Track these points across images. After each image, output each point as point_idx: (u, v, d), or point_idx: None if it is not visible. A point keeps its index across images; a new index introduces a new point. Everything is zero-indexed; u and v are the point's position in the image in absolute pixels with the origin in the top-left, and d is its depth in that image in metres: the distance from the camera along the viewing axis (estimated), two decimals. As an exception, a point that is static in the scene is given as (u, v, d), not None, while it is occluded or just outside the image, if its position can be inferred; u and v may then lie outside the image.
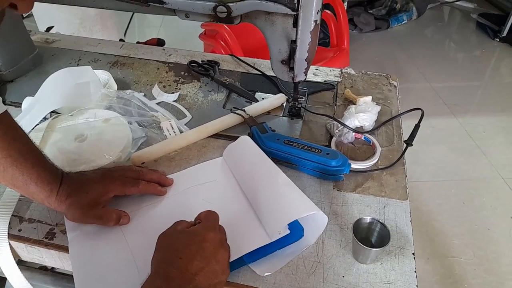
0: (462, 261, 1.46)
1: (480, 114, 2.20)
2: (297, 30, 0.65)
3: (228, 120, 0.78)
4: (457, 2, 3.34)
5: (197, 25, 1.95)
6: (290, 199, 0.58)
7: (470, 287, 1.38)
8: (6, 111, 0.56)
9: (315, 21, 0.65)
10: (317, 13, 0.64)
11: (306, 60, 0.70)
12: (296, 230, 0.58)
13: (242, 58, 1.00)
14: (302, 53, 0.68)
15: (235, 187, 0.66)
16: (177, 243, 0.48)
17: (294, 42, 0.67)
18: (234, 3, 0.63)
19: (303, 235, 0.58)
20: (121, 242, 0.58)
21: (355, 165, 0.70)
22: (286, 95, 0.85)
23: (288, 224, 0.56)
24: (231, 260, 0.52)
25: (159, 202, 0.64)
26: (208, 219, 0.53)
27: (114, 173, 0.62)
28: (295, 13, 0.63)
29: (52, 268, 1.10)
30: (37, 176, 0.56)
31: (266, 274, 0.55)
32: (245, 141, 0.71)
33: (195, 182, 0.67)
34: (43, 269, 1.08)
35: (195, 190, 0.66)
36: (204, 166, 0.71)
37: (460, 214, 1.65)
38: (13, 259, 0.60)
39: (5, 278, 1.07)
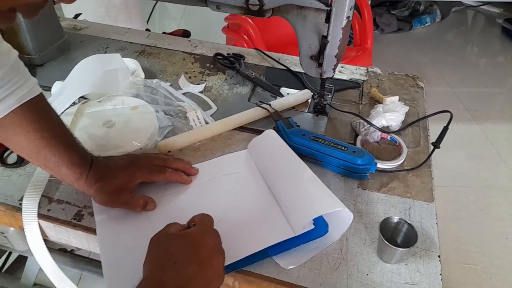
0: (478, 269, 1.44)
1: (502, 121, 2.16)
2: (329, 26, 0.65)
3: (253, 113, 0.78)
4: (482, 6, 3.27)
5: (217, 19, 1.95)
6: (316, 195, 0.58)
7: (485, 295, 1.37)
8: (41, 93, 0.57)
9: (348, 17, 0.65)
10: (350, 9, 0.64)
11: (336, 56, 0.70)
12: (320, 225, 0.58)
13: (267, 52, 1.00)
14: (332, 49, 0.68)
15: (259, 180, 0.66)
16: (171, 246, 0.46)
17: (325, 37, 0.67)
18: (268, -4, 0.63)
19: (327, 231, 0.58)
20: (146, 227, 0.59)
21: (381, 165, 0.69)
22: (311, 92, 0.85)
23: (313, 220, 0.56)
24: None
25: (184, 190, 0.65)
26: (204, 222, 0.51)
27: (141, 160, 0.63)
28: (328, 8, 0.63)
29: (72, 250, 1.12)
30: (68, 158, 0.57)
31: (290, 267, 0.55)
32: (270, 135, 0.71)
33: (220, 172, 0.68)
34: (63, 251, 1.10)
35: (219, 181, 0.66)
36: (228, 157, 0.71)
37: (477, 222, 1.62)
38: (41, 237, 0.62)
39: (26, 257, 1.10)
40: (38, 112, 0.56)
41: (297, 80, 0.91)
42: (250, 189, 0.65)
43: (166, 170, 0.63)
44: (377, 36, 2.88)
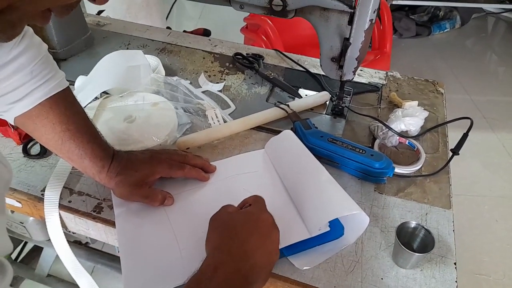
0: (491, 280, 1.41)
1: (520, 131, 2.12)
2: (351, 28, 0.65)
3: (271, 113, 0.79)
4: (504, 14, 3.21)
5: (235, 19, 1.96)
6: (333, 197, 0.58)
7: (498, 307, 1.34)
8: (68, 87, 0.59)
9: (371, 20, 0.65)
10: (374, 12, 0.64)
11: (357, 59, 0.70)
12: (336, 228, 0.58)
13: (286, 53, 1.00)
14: (354, 51, 0.68)
15: (275, 180, 0.66)
16: (233, 222, 0.50)
17: (347, 39, 0.67)
18: (291, -3, 0.64)
19: (343, 234, 0.58)
20: (164, 222, 0.60)
21: (398, 169, 0.69)
22: (330, 94, 0.85)
23: (328, 222, 0.56)
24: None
25: (201, 187, 0.65)
26: (259, 201, 0.54)
27: (161, 156, 0.64)
28: (352, 10, 0.63)
29: (86, 243, 1.14)
30: (91, 151, 0.58)
31: (304, 268, 0.55)
32: (288, 136, 0.71)
33: (237, 171, 0.68)
34: (78, 243, 1.12)
35: (236, 179, 0.67)
36: (246, 156, 0.72)
37: (492, 231, 1.60)
38: (61, 228, 0.63)
39: (41, 248, 1.13)
40: (65, 105, 0.57)
41: (316, 82, 0.91)
42: (266, 189, 0.65)
43: (185, 167, 0.64)
44: (395, 40, 2.85)
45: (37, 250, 1.23)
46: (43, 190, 0.64)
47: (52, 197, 0.62)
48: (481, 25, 3.18)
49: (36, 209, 0.65)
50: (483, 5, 3.13)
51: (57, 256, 0.79)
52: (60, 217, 0.63)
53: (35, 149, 0.71)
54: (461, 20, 3.00)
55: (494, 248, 1.53)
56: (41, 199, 0.63)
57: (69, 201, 0.63)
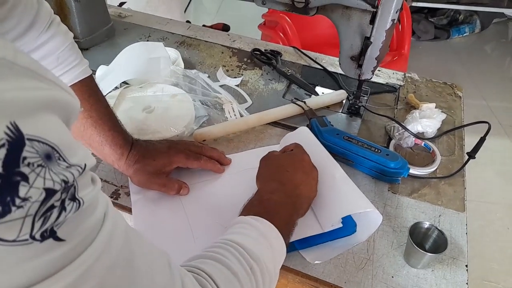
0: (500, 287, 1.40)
1: (537, 139, 2.08)
2: (373, 27, 0.65)
3: (288, 109, 0.80)
4: (526, 19, 3.15)
5: (253, 15, 1.96)
6: (346, 194, 0.58)
7: (506, 315, 1.33)
8: (91, 75, 0.60)
9: (393, 20, 0.65)
10: (396, 12, 0.64)
11: (376, 58, 0.70)
12: (349, 225, 0.58)
13: (304, 51, 1.00)
14: (374, 51, 0.68)
15: None
16: (281, 160, 0.59)
17: (368, 39, 0.67)
18: (314, -6, 0.64)
19: (355, 231, 0.58)
20: (179, 210, 0.61)
21: (413, 170, 0.69)
22: (347, 93, 0.85)
23: (341, 218, 0.57)
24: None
25: (216, 179, 0.67)
26: (299, 147, 0.62)
27: (179, 146, 0.65)
28: (375, 9, 0.63)
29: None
30: (112, 139, 0.60)
31: (316, 262, 0.56)
32: (304, 132, 0.72)
33: (251, 165, 0.69)
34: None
35: (251, 173, 0.67)
36: (261, 150, 0.72)
37: (502, 240, 1.58)
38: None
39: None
40: (89, 92, 0.59)
41: (333, 81, 0.91)
42: None
43: (201, 158, 0.65)
44: (413, 42, 2.82)
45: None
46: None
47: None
48: (501, 30, 3.13)
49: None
50: (504, 10, 3.07)
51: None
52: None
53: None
54: (481, 24, 2.95)
55: (504, 256, 1.51)
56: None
57: (88, 186, 0.65)
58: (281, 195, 0.53)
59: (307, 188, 0.56)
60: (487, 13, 2.95)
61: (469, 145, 0.75)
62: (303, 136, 0.71)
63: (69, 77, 0.56)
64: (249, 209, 0.50)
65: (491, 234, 1.59)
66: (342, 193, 0.59)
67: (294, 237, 0.56)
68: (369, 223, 0.58)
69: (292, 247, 0.57)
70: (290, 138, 0.72)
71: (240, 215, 0.49)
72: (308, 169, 0.58)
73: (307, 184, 0.56)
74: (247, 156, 0.71)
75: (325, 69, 0.94)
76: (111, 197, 0.63)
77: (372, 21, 0.64)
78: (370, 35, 0.66)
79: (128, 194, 0.64)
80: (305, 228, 0.58)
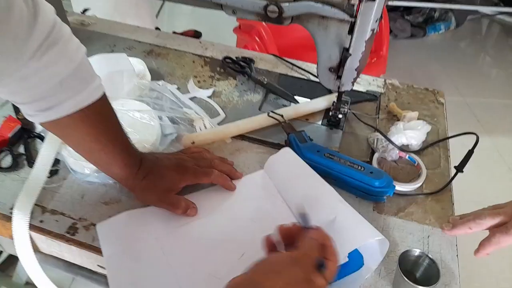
0: None
1: (514, 135, 2.10)
2: (351, 38, 0.60)
3: (264, 121, 0.74)
4: (499, 16, 3.20)
5: (229, 17, 1.90)
6: (349, 223, 0.52)
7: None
8: (103, 95, 0.52)
9: (372, 29, 0.60)
10: (376, 21, 0.59)
11: (356, 70, 0.65)
12: (355, 258, 0.52)
13: (287, 59, 0.95)
14: (353, 62, 0.64)
15: (282, 207, 0.61)
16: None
17: (346, 50, 0.62)
18: (287, 4, 0.59)
19: (363, 264, 0.52)
20: (163, 264, 0.53)
21: (399, 187, 0.65)
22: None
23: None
24: None
25: (201, 219, 0.59)
26: (310, 254, 0.42)
27: (187, 163, 0.61)
28: (352, 19, 0.58)
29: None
30: (121, 161, 0.55)
31: None
32: (288, 155, 0.65)
33: (238, 198, 0.62)
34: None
35: (240, 208, 0.61)
36: (245, 180, 0.65)
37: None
38: (32, 250, 0.58)
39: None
40: (97, 117, 0.52)
41: (312, 90, 0.86)
42: (274, 218, 0.59)
43: (212, 173, 0.61)
44: (390, 41, 2.82)
45: (14, 257, 1.17)
46: (13, 208, 0.58)
47: (21, 218, 0.57)
48: (475, 27, 3.17)
49: (5, 229, 0.59)
50: (478, 7, 3.11)
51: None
52: (31, 238, 0.58)
53: (7, 161, 0.66)
54: (456, 21, 2.98)
55: (496, 267, 1.50)
56: (10, 218, 0.57)
57: (41, 221, 0.58)
58: None
59: None
60: (461, 10, 2.98)
61: (455, 153, 0.72)
62: (288, 159, 0.65)
63: (73, 103, 0.48)
64: None
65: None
66: (343, 223, 0.52)
67: None
68: (375, 250, 0.53)
69: None
70: (275, 161, 0.66)
71: None
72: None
73: None
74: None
75: (310, 78, 0.89)
76: (68, 233, 0.56)
77: (350, 31, 0.59)
78: (349, 46, 0.61)
79: (87, 228, 0.57)
80: None
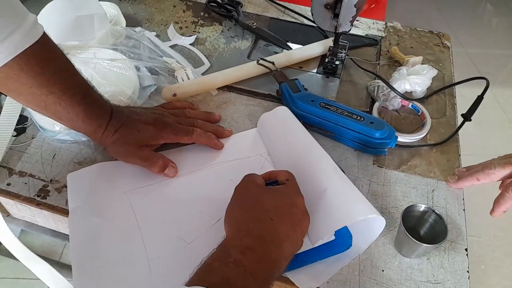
0: (482, 241, 1.39)
1: (515, 86, 2.04)
2: (351, -34, 0.52)
3: (253, 70, 0.67)
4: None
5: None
6: (341, 198, 0.45)
7: (488, 267, 1.33)
8: (43, 35, 0.44)
9: (375, -45, 0.52)
10: None
11: (355, 6, 0.57)
12: (343, 238, 0.46)
13: (278, 1, 0.85)
14: (353, -4, 0.56)
15: (270, 168, 0.55)
16: (265, 201, 0.41)
17: (345, -20, 0.54)
18: None
19: (351, 245, 0.47)
20: (130, 222, 0.48)
21: (401, 138, 0.59)
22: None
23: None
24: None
25: (178, 178, 0.53)
26: (293, 181, 0.45)
27: (167, 119, 0.55)
28: None
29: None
30: (83, 113, 0.49)
31: None
32: (282, 112, 0.59)
33: (224, 157, 0.56)
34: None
35: (223, 167, 0.55)
36: (235, 138, 0.59)
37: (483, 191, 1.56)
38: (1, 216, 0.53)
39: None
40: (41, 64, 0.44)
41: (306, 35, 0.78)
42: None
43: (193, 132, 0.55)
44: (388, -12, 2.67)
45: (1, 224, 1.14)
46: (-25, 171, 0.52)
47: (-16, 181, 0.51)
48: (478, -28, 3.00)
49: (-31, 193, 0.54)
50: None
51: (22, 230, 0.69)
52: (0, 203, 0.53)
53: (-33, 119, 0.59)
54: (458, -34, 2.81)
55: (485, 209, 1.49)
56: (-28, 182, 0.52)
57: (8, 184, 0.52)
58: (256, 257, 0.36)
59: (292, 244, 0.40)
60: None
61: (461, 101, 0.66)
62: (283, 117, 0.58)
63: (6, 52, 0.40)
64: (206, 273, 0.35)
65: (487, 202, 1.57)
66: (335, 198, 0.45)
67: None
68: (368, 229, 0.46)
69: None
70: (268, 119, 0.59)
71: (190, 281, 0.34)
72: (299, 218, 0.42)
73: (292, 240, 0.40)
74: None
75: (305, 22, 0.81)
76: (38, 196, 0.51)
77: (350, -44, 0.51)
78: (348, -25, 0.53)
79: (59, 190, 0.52)
80: None
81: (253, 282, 0.35)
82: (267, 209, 0.40)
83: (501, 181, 0.52)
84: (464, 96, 0.74)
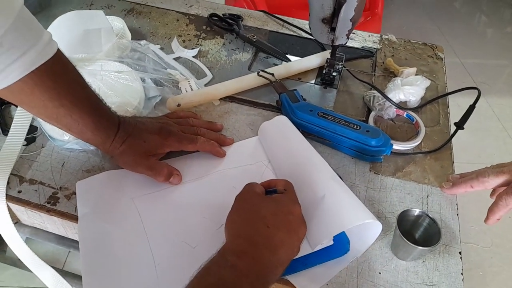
0: (479, 248, 1.41)
1: (510, 95, 2.07)
2: (346, -17, 0.55)
3: (254, 81, 0.70)
4: (496, -27, 3.09)
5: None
6: (339, 204, 0.47)
7: (486, 274, 1.34)
8: (57, 52, 0.47)
9: (369, -27, 0.55)
10: (373, -37, 0.54)
11: (351, 20, 0.60)
12: (341, 242, 0.48)
13: (277, 15, 0.89)
14: (348, 11, 0.59)
15: (271, 176, 0.57)
16: (263, 209, 0.44)
17: (341, -3, 0.57)
18: None
19: (348, 250, 0.48)
20: (138, 228, 0.50)
21: (396, 146, 0.62)
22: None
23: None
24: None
25: (182, 185, 0.55)
26: (291, 190, 0.48)
27: (171, 128, 0.57)
28: (348, -39, 0.53)
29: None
30: (93, 124, 0.51)
31: None
32: (282, 121, 0.61)
33: (226, 164, 0.58)
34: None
35: (225, 174, 0.57)
36: (237, 147, 0.61)
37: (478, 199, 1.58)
38: (11, 222, 0.55)
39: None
40: (54, 78, 0.46)
41: (304, 48, 0.81)
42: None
43: (197, 140, 0.57)
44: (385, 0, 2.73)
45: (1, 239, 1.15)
46: (-13, 179, 0.54)
47: (-3, 188, 0.53)
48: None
49: (-19, 201, 0.56)
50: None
51: (27, 238, 0.71)
52: (10, 210, 0.55)
53: (-21, 130, 0.61)
54: (452, -21, 2.87)
55: (482, 216, 1.51)
56: (-15, 190, 0.54)
57: (19, 191, 0.54)
58: (250, 261, 0.39)
59: (288, 251, 0.42)
60: (457, -33, 2.87)
61: (454, 111, 0.69)
62: (282, 126, 0.61)
63: (22, 68, 0.42)
64: (204, 276, 0.38)
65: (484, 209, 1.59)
66: (334, 204, 0.47)
67: None
68: (365, 233, 0.48)
69: None
70: (268, 128, 0.62)
71: (189, 284, 0.37)
72: (295, 226, 0.44)
73: (288, 247, 0.42)
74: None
75: (303, 34, 0.84)
76: (48, 203, 0.53)
77: (345, -25, 0.54)
78: (344, -8, 0.56)
79: (68, 197, 0.54)
80: None
81: (246, 284, 0.37)
82: (264, 217, 0.43)
83: (492, 189, 0.54)
84: (459, 106, 0.76)
